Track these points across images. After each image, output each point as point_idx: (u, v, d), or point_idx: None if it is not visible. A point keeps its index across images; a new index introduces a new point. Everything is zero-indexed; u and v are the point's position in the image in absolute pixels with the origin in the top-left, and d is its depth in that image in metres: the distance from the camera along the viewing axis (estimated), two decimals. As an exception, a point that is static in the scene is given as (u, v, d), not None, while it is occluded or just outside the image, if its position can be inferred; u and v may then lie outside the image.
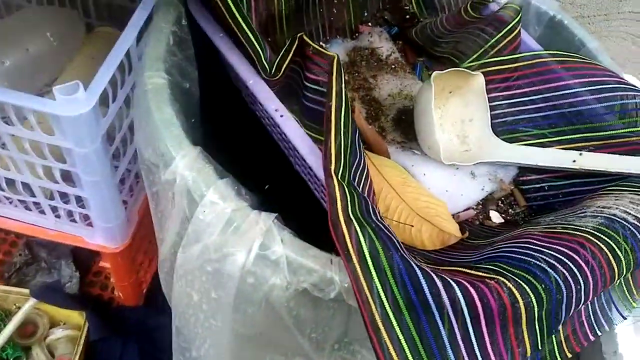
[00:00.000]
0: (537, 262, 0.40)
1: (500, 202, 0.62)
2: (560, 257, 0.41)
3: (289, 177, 0.59)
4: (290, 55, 0.53)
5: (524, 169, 0.62)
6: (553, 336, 0.45)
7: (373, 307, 0.37)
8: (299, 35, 0.53)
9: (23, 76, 0.75)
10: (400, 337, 0.37)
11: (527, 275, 0.39)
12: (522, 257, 0.42)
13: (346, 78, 0.67)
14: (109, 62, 0.53)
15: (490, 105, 0.63)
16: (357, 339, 0.51)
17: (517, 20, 0.62)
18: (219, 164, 0.46)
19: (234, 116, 0.65)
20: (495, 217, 0.59)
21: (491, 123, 0.63)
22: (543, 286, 0.39)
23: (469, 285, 0.37)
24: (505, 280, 0.38)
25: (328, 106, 0.47)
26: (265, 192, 0.68)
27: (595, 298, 0.50)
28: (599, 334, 0.48)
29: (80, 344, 0.76)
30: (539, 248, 0.43)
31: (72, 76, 0.75)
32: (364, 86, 0.68)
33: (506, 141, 0.62)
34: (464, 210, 0.60)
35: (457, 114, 0.64)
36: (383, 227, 0.40)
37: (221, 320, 0.43)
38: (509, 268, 0.40)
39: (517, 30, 0.63)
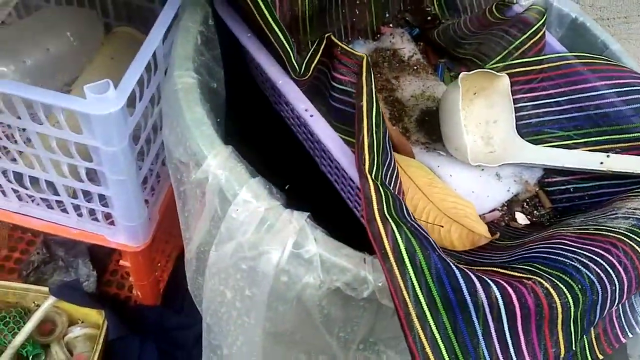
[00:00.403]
0: (572, 263, 0.40)
1: (525, 203, 0.61)
2: (594, 257, 0.41)
3: (313, 178, 0.59)
4: (319, 55, 0.53)
5: (549, 171, 0.62)
6: (584, 335, 0.45)
7: (410, 305, 0.37)
8: (326, 35, 0.53)
9: (44, 75, 0.76)
10: (437, 335, 0.37)
11: (563, 276, 0.39)
12: (556, 257, 0.41)
13: (369, 79, 0.67)
14: (138, 61, 0.54)
15: (515, 107, 0.63)
16: (382, 339, 0.51)
17: (542, 22, 0.62)
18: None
19: (258, 116, 0.65)
20: (521, 219, 0.59)
21: (516, 125, 0.63)
22: (580, 286, 0.39)
23: (506, 285, 0.37)
24: (542, 281, 0.38)
25: (359, 106, 0.47)
26: (287, 192, 0.68)
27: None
28: (630, 335, 0.48)
29: (100, 343, 0.77)
30: (572, 249, 0.42)
31: (93, 76, 0.76)
32: (386, 87, 0.68)
33: (531, 143, 0.62)
34: (490, 212, 0.59)
35: (482, 115, 0.64)
36: (418, 227, 0.40)
37: (254, 317, 0.43)
38: (544, 268, 0.40)
39: (541, 32, 0.63)
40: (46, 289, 0.81)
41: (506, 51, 0.64)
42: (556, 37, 0.70)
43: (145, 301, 0.88)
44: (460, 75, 0.56)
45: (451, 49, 0.71)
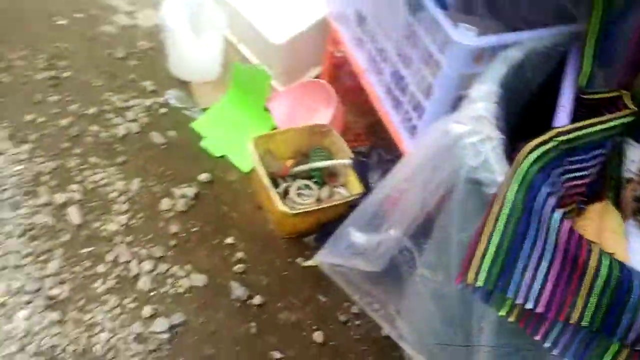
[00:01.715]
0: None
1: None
2: None
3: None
4: (608, 95, 0.69)
5: None
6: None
7: (499, 200, 0.54)
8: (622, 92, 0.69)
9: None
10: (501, 226, 0.53)
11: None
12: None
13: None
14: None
15: None
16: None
17: None
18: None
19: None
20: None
21: None
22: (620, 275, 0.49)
23: (566, 224, 0.50)
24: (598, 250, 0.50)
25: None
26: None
27: None
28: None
29: (346, 201, 1.11)
30: None
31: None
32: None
33: None
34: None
35: None
36: (551, 179, 0.55)
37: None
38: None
39: None
40: (349, 154, 1.19)
41: None
42: None
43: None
44: None
45: None
